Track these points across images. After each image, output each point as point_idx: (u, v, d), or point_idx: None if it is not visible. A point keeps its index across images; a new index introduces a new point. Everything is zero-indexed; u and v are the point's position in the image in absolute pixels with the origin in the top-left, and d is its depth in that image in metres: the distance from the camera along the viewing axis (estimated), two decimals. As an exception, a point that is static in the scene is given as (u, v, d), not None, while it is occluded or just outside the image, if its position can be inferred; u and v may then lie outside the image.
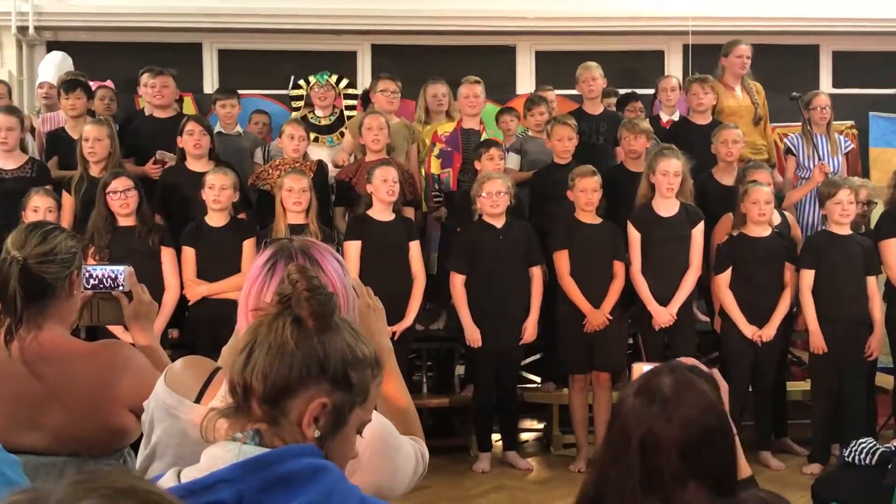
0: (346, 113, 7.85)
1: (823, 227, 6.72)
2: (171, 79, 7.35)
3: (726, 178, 7.04)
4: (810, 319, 6.43)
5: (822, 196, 6.61)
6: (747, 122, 7.63)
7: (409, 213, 6.87)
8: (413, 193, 6.97)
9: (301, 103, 7.96)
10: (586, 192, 6.52)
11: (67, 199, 6.50)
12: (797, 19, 9.59)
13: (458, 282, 6.50)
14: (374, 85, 7.61)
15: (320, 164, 7.00)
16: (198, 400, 1.96)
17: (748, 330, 6.44)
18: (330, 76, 7.82)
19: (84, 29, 9.28)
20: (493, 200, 6.40)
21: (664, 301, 6.52)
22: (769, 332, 6.46)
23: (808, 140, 7.52)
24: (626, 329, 6.79)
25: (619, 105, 8.39)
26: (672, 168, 6.50)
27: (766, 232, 6.53)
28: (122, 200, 6.11)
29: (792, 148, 7.61)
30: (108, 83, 8.42)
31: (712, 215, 6.76)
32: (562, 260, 6.55)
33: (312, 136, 7.52)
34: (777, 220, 6.74)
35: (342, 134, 7.63)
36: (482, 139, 7.27)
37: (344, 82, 8.03)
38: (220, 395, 1.85)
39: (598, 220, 6.63)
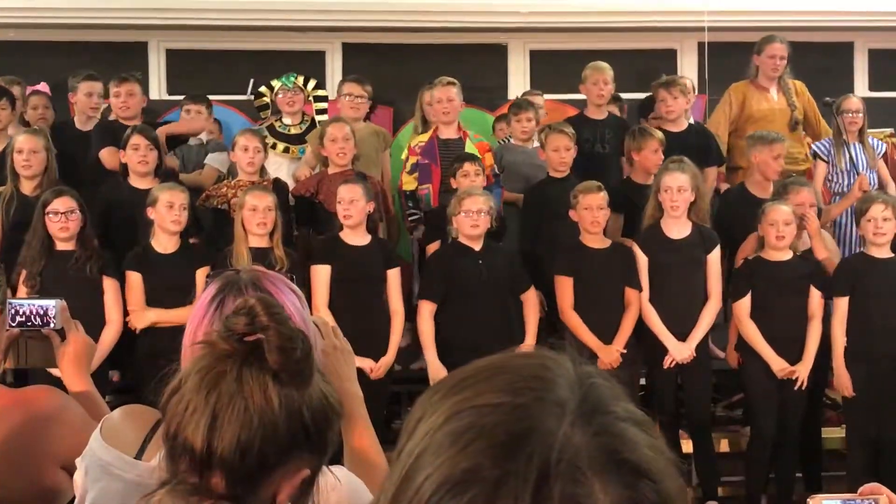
0: (318, 118, 7.86)
1: (861, 249, 6.76)
2: (137, 85, 7.37)
3: (761, 192, 7.07)
4: (837, 355, 6.43)
5: (857, 214, 6.65)
6: (781, 128, 7.65)
7: (381, 229, 6.86)
8: (386, 211, 6.98)
9: (268, 112, 7.98)
10: (591, 210, 6.51)
11: None
12: (828, 13, 9.66)
13: (426, 311, 6.45)
14: (339, 88, 7.65)
15: (277, 182, 6.99)
16: (139, 456, 1.95)
17: (777, 365, 6.39)
18: (296, 78, 7.84)
19: (10, 26, 9.27)
20: (474, 219, 6.38)
21: (675, 336, 6.53)
22: (802, 371, 6.40)
23: (839, 149, 7.59)
24: (638, 371, 6.78)
25: (642, 111, 8.40)
26: (676, 183, 6.52)
27: (786, 256, 6.52)
28: (63, 223, 6.11)
29: (819, 153, 7.69)
30: (43, 87, 8.41)
31: (744, 233, 6.80)
32: (565, 289, 6.53)
33: (282, 146, 7.56)
34: (807, 243, 6.76)
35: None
36: (465, 151, 7.25)
37: (312, 83, 8.05)
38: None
39: (607, 243, 6.65)
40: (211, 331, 1.69)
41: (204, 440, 1.51)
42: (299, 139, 7.67)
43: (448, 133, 7.36)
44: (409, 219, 7.32)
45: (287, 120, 7.74)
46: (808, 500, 2.38)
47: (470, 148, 7.27)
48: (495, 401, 0.87)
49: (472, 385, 0.90)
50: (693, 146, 7.41)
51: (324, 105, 8.11)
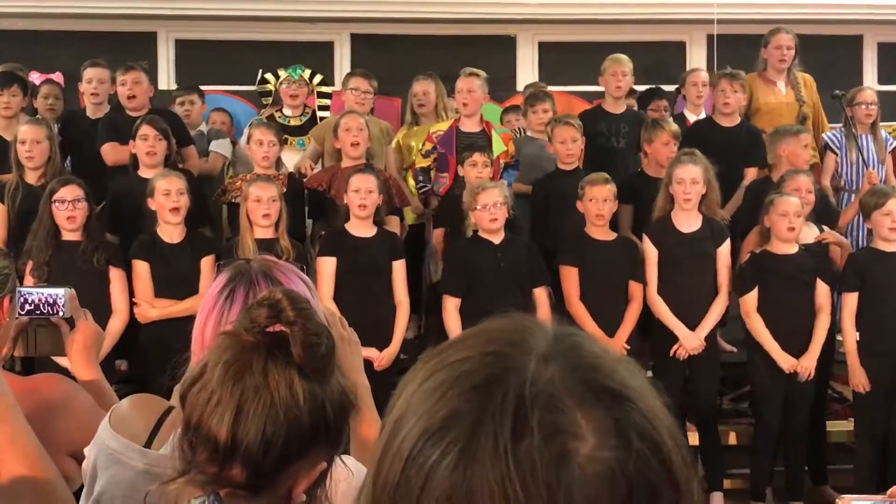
0: (319, 114, 7.86)
1: (869, 244, 6.74)
2: (143, 73, 7.37)
3: None
4: (850, 351, 6.42)
5: (868, 207, 6.61)
6: (789, 122, 7.63)
7: (394, 225, 6.86)
8: (401, 202, 6.98)
9: (270, 99, 7.99)
10: (596, 203, 6.51)
11: (1, 210, 6.53)
12: (838, 6, 9.66)
13: (451, 306, 6.45)
14: (346, 82, 7.63)
15: (291, 177, 6.98)
16: (148, 444, 1.96)
17: (785, 361, 6.39)
18: (304, 70, 7.85)
19: (21, 16, 9.29)
20: (492, 213, 6.35)
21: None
22: (808, 363, 6.41)
23: (851, 142, 7.57)
24: (644, 364, 6.77)
25: (641, 102, 8.39)
26: (689, 175, 6.50)
27: (793, 248, 6.51)
28: (70, 212, 6.10)
29: (832, 144, 7.67)
30: (57, 76, 8.41)
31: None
32: (570, 280, 6.53)
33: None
34: (812, 235, 6.74)
35: (314, 137, 7.66)
36: (489, 143, 7.14)
37: (318, 78, 8.05)
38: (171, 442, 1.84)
39: (612, 236, 6.65)
40: (234, 321, 1.69)
41: (228, 432, 1.52)
42: (299, 131, 7.69)
43: (470, 126, 7.23)
44: (421, 192, 7.29)
45: (287, 111, 7.76)
46: (836, 500, 2.40)
47: (496, 139, 7.19)
48: (468, 354, 0.88)
49: (447, 349, 0.92)
50: (741, 143, 7.40)
51: (326, 101, 8.11)
